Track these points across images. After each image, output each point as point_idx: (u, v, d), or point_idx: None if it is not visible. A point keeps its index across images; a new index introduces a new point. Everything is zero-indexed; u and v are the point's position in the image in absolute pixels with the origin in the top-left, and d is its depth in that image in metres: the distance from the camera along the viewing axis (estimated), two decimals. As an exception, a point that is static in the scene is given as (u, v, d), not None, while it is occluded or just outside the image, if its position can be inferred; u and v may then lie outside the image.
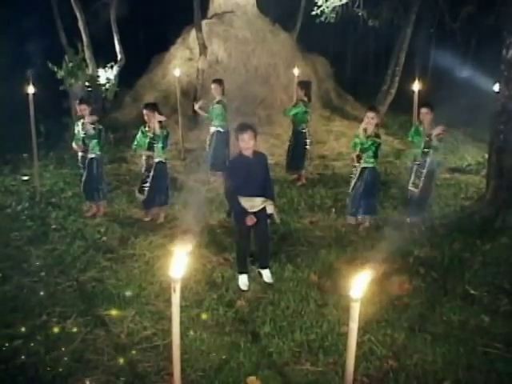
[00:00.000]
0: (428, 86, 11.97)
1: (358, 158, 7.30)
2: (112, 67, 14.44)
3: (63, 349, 4.62)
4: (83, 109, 7.46)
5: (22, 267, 6.14)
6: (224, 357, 4.60)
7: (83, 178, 7.67)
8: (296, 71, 10.42)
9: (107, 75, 14.21)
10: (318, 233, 7.36)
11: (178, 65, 13.32)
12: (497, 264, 6.28)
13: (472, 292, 5.65)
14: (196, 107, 9.72)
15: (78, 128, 7.55)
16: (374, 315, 5.13)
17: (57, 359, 4.47)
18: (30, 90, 7.99)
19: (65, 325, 4.98)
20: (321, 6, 12.09)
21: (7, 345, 4.64)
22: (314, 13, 12.24)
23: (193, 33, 14.12)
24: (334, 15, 12.31)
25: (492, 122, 7.79)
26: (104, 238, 7.00)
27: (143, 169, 7.49)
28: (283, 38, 15.67)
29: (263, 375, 4.38)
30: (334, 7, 12.03)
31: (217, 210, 8.04)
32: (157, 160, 7.36)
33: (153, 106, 7.42)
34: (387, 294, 5.52)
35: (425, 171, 7.35)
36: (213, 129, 9.32)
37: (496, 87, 8.33)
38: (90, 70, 13.71)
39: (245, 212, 5.57)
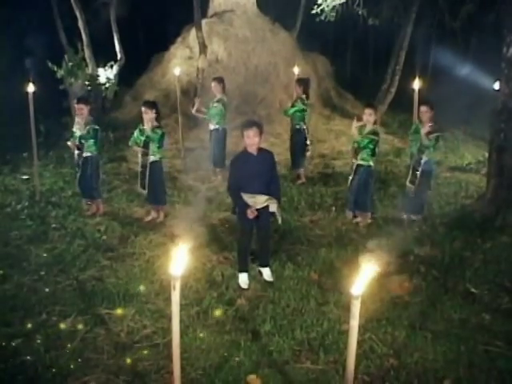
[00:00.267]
0: (428, 85, 11.96)
1: (355, 153, 7.38)
2: (112, 66, 14.42)
3: (63, 348, 4.61)
4: (80, 108, 7.46)
5: (22, 266, 6.12)
6: (224, 355, 4.59)
7: (77, 175, 7.69)
8: (296, 69, 10.41)
9: (107, 74, 14.18)
10: (319, 231, 7.35)
11: (178, 64, 13.31)
12: (497, 262, 6.27)
13: (473, 290, 5.64)
14: (193, 111, 9.69)
15: (76, 126, 7.55)
16: (374, 313, 5.13)
17: (56, 358, 4.47)
18: (30, 88, 7.97)
19: (65, 323, 4.97)
20: (321, 4, 12.03)
21: (7, 344, 4.63)
22: (313, 11, 12.18)
23: (193, 32, 14.10)
24: (334, 14, 12.25)
25: (492, 120, 7.78)
26: (104, 237, 6.99)
27: (140, 165, 7.49)
28: (283, 37, 15.65)
29: (263, 374, 4.37)
30: (334, 6, 11.98)
31: (217, 208, 8.03)
32: (151, 159, 7.33)
33: (151, 104, 7.40)
34: (388, 293, 5.52)
35: (420, 169, 7.36)
36: (211, 126, 9.32)
37: (496, 85, 8.32)
38: (89, 70, 13.70)
39: (247, 207, 5.55)
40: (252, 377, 4.34)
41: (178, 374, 3.43)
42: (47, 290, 5.61)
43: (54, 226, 7.31)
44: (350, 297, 3.05)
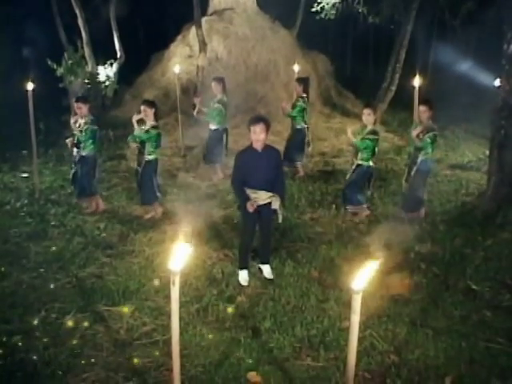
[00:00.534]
0: (428, 83, 11.95)
1: (356, 153, 7.50)
2: (112, 64, 14.40)
3: (62, 345, 4.59)
4: (79, 107, 7.44)
5: (21, 263, 6.11)
6: (224, 352, 4.57)
7: (72, 172, 7.68)
8: (296, 67, 10.39)
9: (107, 72, 14.16)
10: (319, 229, 7.33)
11: (178, 62, 13.28)
12: (498, 259, 6.25)
13: (474, 287, 5.63)
14: (195, 114, 9.66)
15: (74, 125, 7.53)
16: (375, 310, 5.11)
17: (56, 355, 4.45)
18: (30, 86, 7.95)
19: (64, 321, 4.95)
20: (321, 2, 12.03)
21: (6, 341, 4.61)
22: (313, 9, 12.19)
23: (192, 30, 14.08)
24: (334, 12, 12.25)
25: (493, 117, 7.75)
26: (103, 235, 6.97)
27: (136, 163, 7.45)
28: (283, 35, 15.62)
29: (264, 371, 4.36)
30: (334, 4, 11.98)
31: (217, 206, 8.01)
32: (146, 158, 7.30)
33: (150, 103, 7.36)
34: (388, 290, 5.49)
35: (415, 168, 7.37)
36: (212, 127, 9.29)
37: (497, 82, 8.29)
38: (89, 68, 13.68)
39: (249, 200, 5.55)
40: (252, 374, 4.32)
41: (177, 371, 3.41)
42: (46, 287, 5.59)
43: (53, 223, 7.29)
44: (350, 294, 3.03)
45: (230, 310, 5.25)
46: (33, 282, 5.68)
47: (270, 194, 5.59)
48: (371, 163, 7.39)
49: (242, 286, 5.72)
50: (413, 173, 7.39)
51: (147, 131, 7.20)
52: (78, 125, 7.53)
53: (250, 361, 4.46)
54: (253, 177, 5.50)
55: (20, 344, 4.57)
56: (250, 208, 5.49)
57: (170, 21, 16.77)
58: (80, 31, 13.95)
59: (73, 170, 7.69)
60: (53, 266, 6.06)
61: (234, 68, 14.18)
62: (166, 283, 5.38)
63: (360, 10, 13.31)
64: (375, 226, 7.36)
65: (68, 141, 7.59)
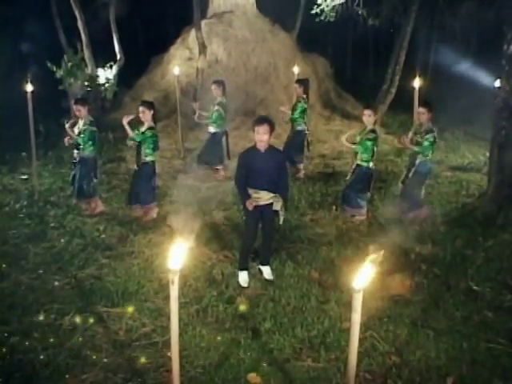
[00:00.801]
0: (428, 85, 11.95)
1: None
2: (111, 67, 14.39)
3: (61, 346, 4.56)
4: (78, 109, 7.42)
5: (20, 264, 6.08)
6: (224, 353, 4.54)
7: (72, 173, 7.68)
8: (296, 69, 10.39)
9: (106, 75, 14.15)
10: (319, 230, 7.30)
11: (178, 65, 13.26)
12: (500, 260, 6.23)
13: (475, 288, 5.60)
14: (196, 118, 9.63)
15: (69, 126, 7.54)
16: (375, 311, 5.09)
17: (54, 356, 4.42)
18: (29, 88, 7.93)
19: (62, 322, 4.92)
20: (320, 4, 12.04)
21: (4, 342, 4.58)
22: (313, 11, 12.19)
23: (192, 33, 14.09)
24: (334, 14, 12.25)
25: (493, 118, 7.73)
26: (103, 236, 6.93)
27: (134, 165, 7.44)
28: (283, 37, 15.64)
29: (264, 372, 4.33)
30: (334, 6, 11.99)
31: (217, 207, 7.99)
32: (143, 160, 7.27)
33: (148, 104, 7.34)
34: (389, 291, 5.46)
35: (413, 170, 7.38)
36: (211, 130, 9.28)
37: (497, 83, 8.28)
38: (89, 70, 13.67)
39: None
40: (252, 375, 4.29)
41: (176, 372, 3.38)
42: (45, 288, 5.56)
43: (52, 224, 7.26)
44: (350, 295, 3.01)
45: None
46: (32, 283, 5.64)
47: (272, 194, 5.58)
48: (371, 164, 7.37)
49: (242, 287, 5.69)
50: (410, 174, 7.38)
51: (143, 133, 7.17)
52: (77, 127, 7.52)
53: (250, 362, 4.43)
54: (255, 177, 5.49)
55: (19, 345, 4.54)
56: (250, 206, 5.48)
57: (170, 23, 16.79)
58: (80, 33, 13.95)
59: (73, 172, 7.68)
60: (52, 267, 6.03)
61: (234, 70, 14.19)
62: (166, 284, 5.36)
63: (360, 12, 13.29)
64: (376, 227, 7.34)
65: (66, 139, 7.56)
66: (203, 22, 14.18)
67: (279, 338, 4.75)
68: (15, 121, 10.46)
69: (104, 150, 10.71)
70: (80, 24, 13.85)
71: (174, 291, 3.17)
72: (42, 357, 4.39)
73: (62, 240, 6.75)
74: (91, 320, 4.96)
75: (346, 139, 7.63)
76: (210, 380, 4.24)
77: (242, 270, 5.85)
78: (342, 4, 12.25)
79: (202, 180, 9.37)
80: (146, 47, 19.29)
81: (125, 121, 7.24)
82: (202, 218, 7.52)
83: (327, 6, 12.01)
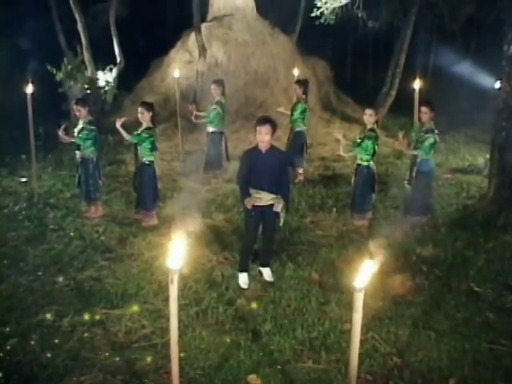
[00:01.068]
0: (428, 87, 11.93)
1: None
2: (111, 70, 14.38)
3: (59, 347, 4.53)
4: (78, 109, 7.42)
5: (19, 266, 6.05)
6: (224, 355, 4.50)
7: (76, 176, 7.66)
8: (296, 71, 10.39)
9: (106, 78, 14.14)
10: (319, 232, 7.28)
11: (178, 68, 13.26)
12: (501, 261, 6.21)
13: (476, 289, 5.58)
14: (193, 119, 9.61)
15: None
16: (376, 313, 5.07)
17: (53, 358, 4.39)
18: (29, 89, 7.91)
19: (61, 323, 4.90)
20: (320, 7, 12.04)
21: (3, 343, 4.54)
22: (313, 14, 12.19)
23: (192, 36, 14.09)
24: (334, 17, 12.25)
25: (494, 119, 7.72)
26: (102, 238, 6.90)
27: (134, 167, 7.43)
28: (283, 40, 15.63)
29: (264, 373, 4.30)
30: (334, 8, 11.99)
31: (216, 209, 7.97)
32: (141, 161, 7.24)
33: (147, 105, 7.31)
34: (390, 292, 5.44)
35: (416, 169, 7.33)
36: (209, 129, 9.26)
37: (497, 84, 8.28)
38: (89, 73, 13.65)
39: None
40: (252, 376, 4.26)
41: (176, 372, 3.35)
42: (44, 290, 5.53)
43: (51, 227, 7.23)
44: (351, 296, 2.99)
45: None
46: (30, 285, 5.61)
47: (272, 195, 5.55)
48: (371, 163, 7.32)
49: (242, 288, 5.66)
50: (414, 174, 7.33)
51: (139, 134, 7.14)
52: (76, 128, 7.50)
53: (250, 363, 4.39)
54: (256, 177, 5.48)
55: (17, 346, 4.51)
56: (248, 204, 5.47)
57: (170, 26, 16.78)
58: (80, 36, 13.95)
59: (77, 174, 7.65)
60: (51, 268, 6.00)
61: (234, 73, 14.16)
62: (165, 286, 5.33)
63: (359, 15, 13.30)
64: (376, 229, 7.30)
65: (61, 133, 7.50)
66: (203, 25, 14.19)
67: (279, 340, 4.72)
68: (15, 123, 10.46)
69: (104, 152, 10.67)
70: (80, 27, 13.84)
71: (173, 291, 3.14)
72: (40, 358, 4.36)
73: (62, 242, 6.72)
74: (90, 322, 4.93)
75: (342, 146, 7.57)
76: (209, 382, 4.21)
77: (241, 271, 5.82)
78: (341, 7, 12.24)
79: (201, 182, 9.34)
80: (145, 50, 19.28)
81: (118, 124, 7.20)
82: (201, 220, 7.49)
83: (327, 8, 12.01)
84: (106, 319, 5.01)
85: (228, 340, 4.72)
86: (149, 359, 4.43)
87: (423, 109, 7.26)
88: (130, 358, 4.44)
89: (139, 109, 7.20)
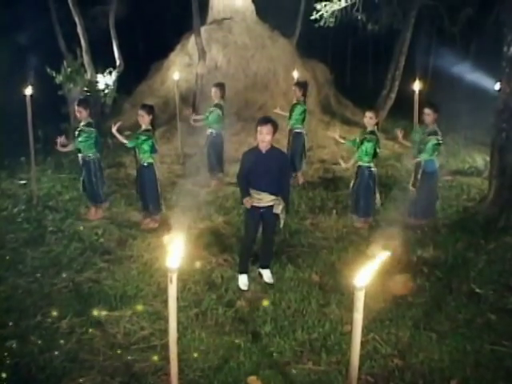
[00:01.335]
0: (428, 90, 11.94)
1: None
2: (111, 73, 14.38)
3: (58, 349, 4.50)
4: (79, 111, 7.40)
5: (18, 268, 6.02)
6: (224, 356, 4.47)
7: (81, 179, 7.63)
8: (295, 74, 10.38)
9: (106, 81, 14.14)
10: (319, 234, 7.25)
11: (177, 70, 13.26)
12: (502, 263, 6.19)
13: (477, 290, 5.55)
14: (192, 123, 9.59)
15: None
16: (377, 314, 5.04)
17: (51, 359, 4.36)
18: (28, 91, 7.90)
19: (60, 325, 4.87)
20: (320, 10, 12.06)
21: (1, 345, 4.51)
22: (312, 17, 12.20)
23: (192, 39, 14.09)
24: (333, 19, 12.26)
25: (494, 120, 7.69)
26: (101, 240, 6.88)
27: (134, 171, 7.43)
28: (282, 43, 15.62)
29: (264, 375, 4.27)
30: (333, 11, 12.00)
31: (216, 212, 7.94)
32: (140, 163, 7.23)
33: (147, 108, 7.28)
34: (390, 293, 5.40)
35: (420, 171, 7.29)
36: (209, 131, 9.25)
37: (497, 86, 8.25)
38: (88, 76, 13.65)
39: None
40: (252, 378, 4.23)
41: (175, 372, 3.32)
42: (43, 291, 5.50)
43: (50, 229, 7.20)
44: (351, 297, 2.97)
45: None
46: (29, 287, 5.59)
47: (273, 196, 5.53)
48: (372, 165, 7.29)
49: (242, 290, 5.63)
50: (419, 176, 7.28)
51: (137, 137, 7.12)
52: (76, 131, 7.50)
53: (250, 365, 4.36)
54: (256, 177, 5.46)
55: (15, 348, 4.48)
56: (247, 204, 5.46)
57: (170, 30, 16.78)
58: (79, 39, 13.96)
59: (81, 178, 7.63)
60: (49, 270, 5.97)
61: (234, 76, 14.15)
62: (164, 288, 5.30)
63: (359, 18, 13.30)
64: (376, 231, 7.27)
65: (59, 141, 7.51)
66: (203, 29, 14.18)
67: (279, 341, 4.69)
68: (14, 126, 10.42)
69: (103, 155, 10.64)
70: (79, 29, 13.85)
71: (172, 290, 3.12)
72: (38, 360, 4.33)
73: (61, 244, 6.70)
74: (89, 323, 4.90)
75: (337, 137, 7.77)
76: (209, 383, 4.17)
77: (241, 273, 5.79)
78: (341, 9, 12.25)
79: (201, 185, 9.32)
80: (145, 53, 19.29)
81: (114, 129, 7.19)
82: (201, 222, 7.47)
83: (326, 11, 12.03)
84: (104, 321, 4.97)
85: (228, 341, 4.68)
86: (148, 361, 4.39)
87: (426, 110, 7.23)
88: (129, 359, 4.41)
89: (139, 111, 7.17)
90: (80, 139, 7.33)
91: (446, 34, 16.94)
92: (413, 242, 6.79)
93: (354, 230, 7.34)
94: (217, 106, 9.08)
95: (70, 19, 14.06)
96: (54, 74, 12.45)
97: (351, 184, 7.53)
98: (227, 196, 8.67)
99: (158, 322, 4.97)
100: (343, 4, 11.98)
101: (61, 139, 7.46)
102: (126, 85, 14.93)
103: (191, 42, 14.35)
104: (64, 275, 5.87)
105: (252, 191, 5.50)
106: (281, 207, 5.60)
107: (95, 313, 5.08)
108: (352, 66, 22.84)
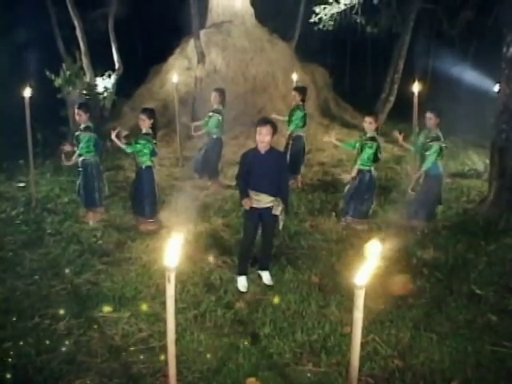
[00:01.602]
0: (427, 92, 11.93)
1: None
2: (110, 76, 14.38)
3: (55, 351, 4.46)
4: (78, 114, 7.38)
5: (16, 270, 5.98)
6: (222, 358, 4.43)
7: (77, 183, 7.60)
8: (294, 76, 10.38)
9: (105, 84, 14.14)
10: (319, 236, 7.21)
11: (177, 74, 13.26)
12: (502, 264, 6.17)
13: (478, 292, 5.52)
14: (193, 132, 9.54)
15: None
16: (377, 315, 5.01)
17: (48, 361, 4.32)
18: (27, 93, 7.88)
19: (57, 327, 4.83)
20: (319, 13, 12.07)
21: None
22: (312, 20, 12.21)
23: (191, 43, 14.11)
24: (332, 22, 12.28)
25: (494, 121, 7.68)
26: (100, 242, 6.84)
27: (133, 173, 7.42)
28: (281, 47, 15.65)
29: (263, 376, 4.23)
30: (332, 14, 12.01)
31: (215, 214, 7.91)
32: (140, 166, 7.20)
33: (148, 112, 7.25)
34: (390, 294, 5.37)
35: (424, 175, 7.26)
36: (207, 134, 9.23)
37: (496, 88, 8.25)
38: (87, 79, 13.64)
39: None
40: (251, 380, 4.19)
41: (173, 373, 3.28)
42: (41, 293, 5.46)
43: (49, 231, 7.16)
44: (351, 299, 2.95)
45: (253, 308, 5.09)
46: (27, 289, 5.55)
47: (272, 198, 5.50)
48: (372, 169, 7.27)
49: (241, 292, 5.60)
50: (421, 180, 7.24)
51: (136, 142, 7.09)
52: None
53: (249, 366, 4.32)
54: (255, 178, 5.43)
55: (12, 350, 4.44)
56: (246, 205, 5.43)
57: (169, 33, 16.78)
58: (78, 42, 13.96)
59: (78, 181, 7.60)
60: (48, 272, 5.93)
61: (233, 80, 14.17)
62: (163, 290, 5.25)
63: (358, 21, 13.32)
64: (376, 232, 7.24)
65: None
66: (202, 32, 14.21)
67: (279, 343, 4.66)
68: (13, 129, 10.40)
69: (102, 158, 10.62)
70: (79, 33, 13.85)
71: (170, 290, 3.09)
72: (35, 362, 4.29)
73: (59, 246, 6.66)
74: (87, 325, 4.87)
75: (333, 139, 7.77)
76: (207, 385, 4.14)
77: (240, 275, 5.75)
78: (340, 13, 12.27)
79: (200, 188, 9.30)
80: (144, 57, 19.31)
81: (113, 136, 7.16)
82: (200, 224, 7.44)
83: (325, 14, 12.04)
84: (102, 322, 4.94)
85: (227, 343, 4.65)
86: (146, 362, 4.35)
87: (428, 114, 7.20)
88: (127, 361, 4.37)
89: (140, 115, 7.15)
90: (80, 145, 7.31)
91: (444, 37, 16.96)
92: (413, 244, 6.77)
93: (354, 233, 7.31)
94: (216, 111, 9.06)
95: (69, 22, 14.07)
96: (53, 77, 12.43)
97: (347, 186, 7.53)
98: (226, 199, 8.65)
99: (156, 323, 4.93)
100: (342, 7, 11.99)
101: (65, 147, 7.47)
102: (125, 88, 14.93)
103: (190, 46, 14.36)
104: (62, 277, 5.83)
105: (251, 192, 5.47)
106: (280, 208, 5.57)
107: (93, 314, 5.05)
108: (351, 69, 22.87)
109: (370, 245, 3.21)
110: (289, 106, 10.70)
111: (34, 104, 8.15)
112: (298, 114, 9.22)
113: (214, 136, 9.12)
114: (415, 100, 7.90)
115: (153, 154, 7.19)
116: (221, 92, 9.16)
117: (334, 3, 12.38)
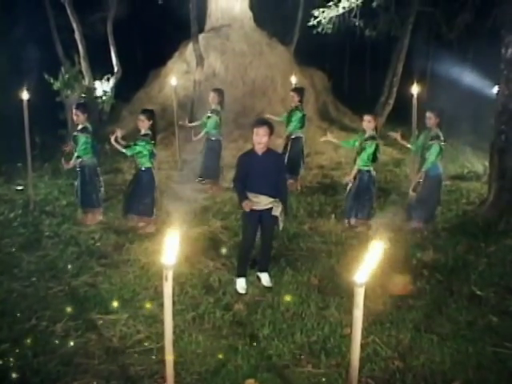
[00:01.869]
0: (426, 95, 11.93)
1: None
2: (108, 79, 14.38)
3: (52, 352, 4.42)
4: (76, 114, 7.38)
5: (13, 272, 5.94)
6: (221, 360, 4.39)
7: (75, 184, 7.58)
8: (293, 79, 10.38)
9: (104, 87, 14.13)
10: (318, 238, 7.18)
11: (175, 77, 13.25)
12: (502, 265, 6.14)
13: (478, 293, 5.49)
14: (193, 137, 9.51)
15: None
16: (377, 317, 4.97)
17: (45, 363, 4.28)
18: (25, 96, 7.85)
19: (55, 329, 4.78)
20: (317, 16, 12.08)
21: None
22: (310, 24, 12.22)
23: (190, 46, 14.11)
24: (331, 26, 12.29)
25: (493, 122, 7.67)
26: (98, 244, 6.81)
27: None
28: (280, 50, 15.67)
29: (262, 378, 4.19)
30: (331, 18, 12.02)
31: (214, 217, 7.88)
32: (139, 167, 7.19)
33: (147, 113, 7.24)
34: (390, 296, 5.34)
35: (423, 176, 7.23)
36: (206, 136, 9.20)
37: (495, 89, 8.24)
38: (86, 82, 13.64)
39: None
40: (250, 381, 4.15)
41: (171, 374, 3.24)
42: (38, 295, 5.42)
43: (47, 233, 7.13)
44: (351, 300, 2.93)
45: (251, 310, 5.05)
46: (24, 291, 5.51)
47: (271, 199, 5.47)
48: (372, 169, 7.25)
49: (240, 293, 5.56)
50: (422, 181, 7.22)
51: (135, 144, 7.08)
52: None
53: (248, 368, 4.28)
54: (254, 180, 5.40)
55: (9, 351, 4.39)
56: (246, 207, 5.38)
57: (168, 37, 16.82)
58: (77, 46, 13.96)
59: (75, 182, 7.59)
60: (45, 274, 5.90)
61: (232, 84, 14.16)
62: (161, 292, 5.20)
63: (357, 24, 13.33)
64: (376, 234, 7.21)
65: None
66: (201, 36, 14.22)
67: (278, 344, 4.62)
68: (12, 132, 10.36)
69: (101, 161, 10.59)
70: (77, 36, 13.86)
71: (167, 288, 3.06)
72: (32, 364, 4.25)
73: (57, 249, 6.62)
74: (84, 327, 4.82)
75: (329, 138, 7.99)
76: (206, 387, 4.09)
77: (239, 276, 5.71)
78: (338, 16, 12.28)
79: (199, 190, 9.28)
80: (143, 60, 19.33)
81: (112, 140, 7.15)
82: (199, 226, 7.41)
83: (324, 18, 12.05)
84: (100, 324, 4.90)
85: (225, 345, 4.61)
86: (144, 364, 4.31)
87: (428, 114, 7.20)
88: (125, 363, 4.33)
89: (140, 116, 7.15)
90: (78, 146, 7.29)
91: (443, 40, 16.98)
92: (413, 245, 6.74)
93: (353, 234, 7.29)
94: (213, 111, 9.04)
95: (68, 26, 14.09)
96: (52, 81, 12.43)
97: (348, 188, 7.50)
98: (225, 201, 8.62)
99: (154, 325, 4.89)
100: (341, 10, 12.00)
101: (68, 147, 7.45)
102: (124, 92, 14.93)
103: (189, 49, 14.37)
104: (60, 279, 5.79)
105: (250, 194, 5.43)
106: (279, 209, 5.54)
107: (91, 316, 5.00)
108: (350, 73, 22.89)
109: (372, 246, 3.17)
110: (287, 109, 10.67)
111: (33, 107, 8.13)
112: (298, 114, 9.21)
113: (213, 138, 9.10)
114: (414, 102, 7.89)
115: (151, 155, 7.17)
116: (219, 92, 9.14)
117: (333, 7, 12.39)
